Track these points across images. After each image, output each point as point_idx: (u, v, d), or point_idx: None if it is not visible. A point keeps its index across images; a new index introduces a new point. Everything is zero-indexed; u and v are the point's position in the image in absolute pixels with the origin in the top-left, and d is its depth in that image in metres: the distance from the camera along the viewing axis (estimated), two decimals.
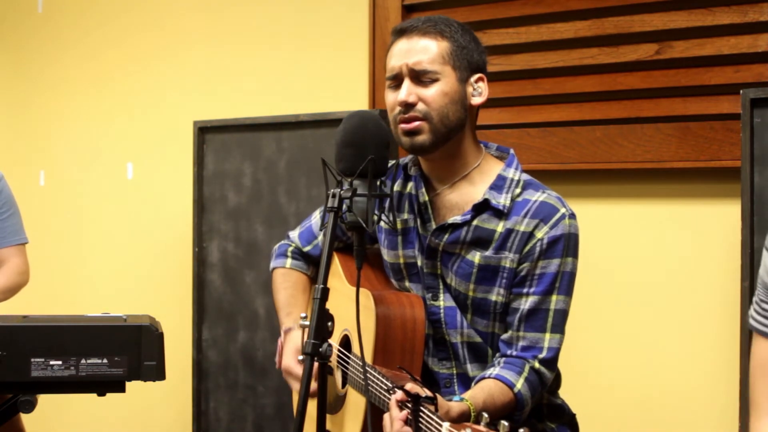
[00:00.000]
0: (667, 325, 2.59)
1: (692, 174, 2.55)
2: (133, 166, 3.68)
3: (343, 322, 2.02)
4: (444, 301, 1.95)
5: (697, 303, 2.54)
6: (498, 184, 1.91)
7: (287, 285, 2.20)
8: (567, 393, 2.08)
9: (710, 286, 2.52)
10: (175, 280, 3.50)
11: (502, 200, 1.89)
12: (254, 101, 3.34)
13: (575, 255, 1.90)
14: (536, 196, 1.90)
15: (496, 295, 1.90)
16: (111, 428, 3.73)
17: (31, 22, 3.93)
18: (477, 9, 2.83)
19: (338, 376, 2.05)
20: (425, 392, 1.60)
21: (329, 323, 1.54)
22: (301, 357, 1.95)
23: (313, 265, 2.22)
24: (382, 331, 1.88)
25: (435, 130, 1.86)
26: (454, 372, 1.96)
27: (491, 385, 1.81)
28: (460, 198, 1.93)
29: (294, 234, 2.24)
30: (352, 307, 1.96)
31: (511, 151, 1.99)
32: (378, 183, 1.63)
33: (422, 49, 1.87)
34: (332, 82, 3.17)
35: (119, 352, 1.78)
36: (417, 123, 1.86)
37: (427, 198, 1.96)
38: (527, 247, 1.87)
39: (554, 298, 1.87)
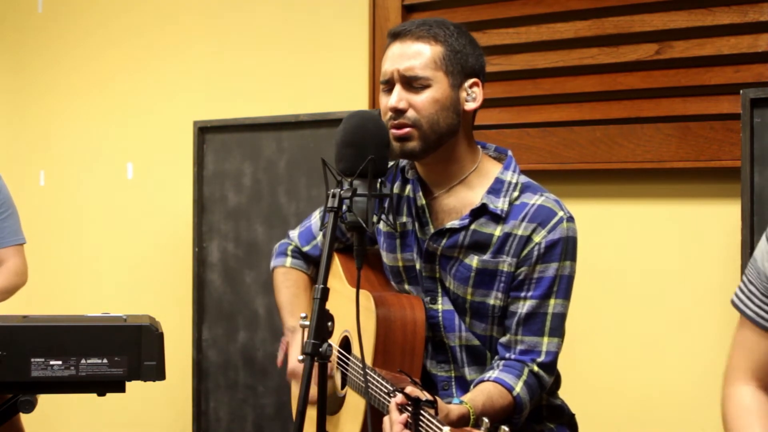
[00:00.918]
0: (667, 325, 2.59)
1: (692, 174, 2.55)
2: (133, 166, 3.68)
3: (343, 323, 2.02)
4: (442, 305, 1.95)
5: (697, 303, 2.54)
6: (496, 188, 1.90)
7: (289, 284, 2.20)
8: (566, 393, 2.08)
9: (710, 286, 2.52)
10: (175, 280, 3.50)
11: (500, 204, 1.88)
12: (254, 101, 3.33)
13: (573, 258, 1.89)
14: (534, 200, 1.89)
15: (494, 299, 1.90)
16: (111, 428, 3.73)
17: (31, 22, 3.93)
18: (477, 9, 2.82)
19: (338, 377, 2.05)
20: (425, 395, 1.60)
21: (329, 323, 1.54)
22: (301, 357, 1.95)
23: (312, 265, 2.22)
24: (383, 332, 1.88)
25: (425, 137, 1.85)
26: (452, 375, 1.96)
27: (490, 388, 1.81)
28: (458, 202, 1.93)
29: (294, 233, 2.24)
30: (352, 308, 1.96)
31: (509, 152, 1.98)
32: (378, 183, 1.63)
33: (414, 54, 1.86)
34: (332, 82, 3.17)
35: (119, 352, 1.78)
36: (407, 130, 1.85)
37: (424, 202, 1.95)
38: (525, 251, 1.86)
39: (552, 302, 1.87)
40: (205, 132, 3.23)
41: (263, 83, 3.34)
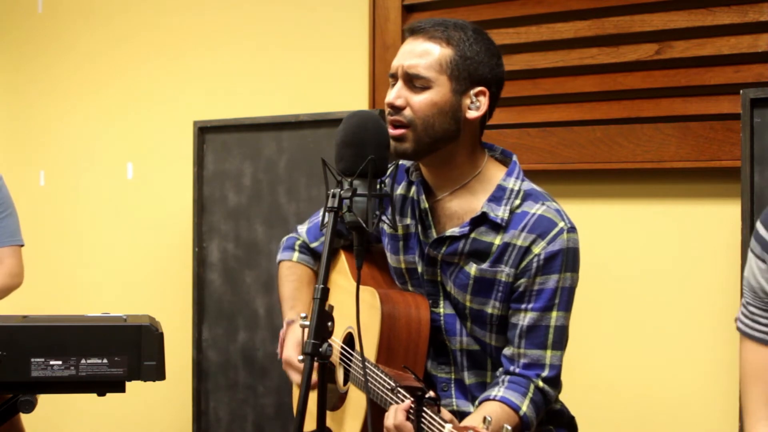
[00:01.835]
0: (667, 325, 2.59)
1: (692, 174, 2.55)
2: (133, 166, 3.68)
3: (347, 319, 2.02)
4: (444, 309, 1.94)
5: (697, 303, 2.54)
6: (497, 196, 1.88)
7: (293, 278, 2.20)
8: (566, 394, 2.07)
9: (710, 286, 2.52)
10: (175, 280, 3.50)
11: (500, 213, 1.86)
12: (254, 101, 3.33)
13: (574, 270, 1.86)
14: (535, 209, 1.86)
15: (492, 308, 1.89)
16: (111, 428, 3.73)
17: (31, 22, 3.93)
18: (477, 9, 2.83)
19: (340, 373, 2.05)
20: (429, 393, 1.61)
21: (329, 323, 1.54)
22: (300, 357, 1.95)
23: (319, 261, 2.22)
24: (387, 330, 1.88)
25: (418, 139, 1.84)
26: (452, 377, 1.96)
27: (497, 410, 1.78)
28: (460, 207, 1.92)
29: (302, 229, 2.23)
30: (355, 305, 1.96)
31: (514, 157, 1.95)
32: (378, 183, 1.63)
33: (422, 53, 1.85)
34: (332, 82, 3.17)
35: (119, 352, 1.78)
36: (401, 131, 1.85)
37: (427, 205, 1.95)
38: (524, 263, 1.84)
39: (554, 314, 1.85)
40: (205, 132, 3.23)
41: (263, 83, 3.34)
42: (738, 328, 1.58)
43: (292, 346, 2.06)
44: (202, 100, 3.47)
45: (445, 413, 1.66)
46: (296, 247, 2.22)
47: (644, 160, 2.59)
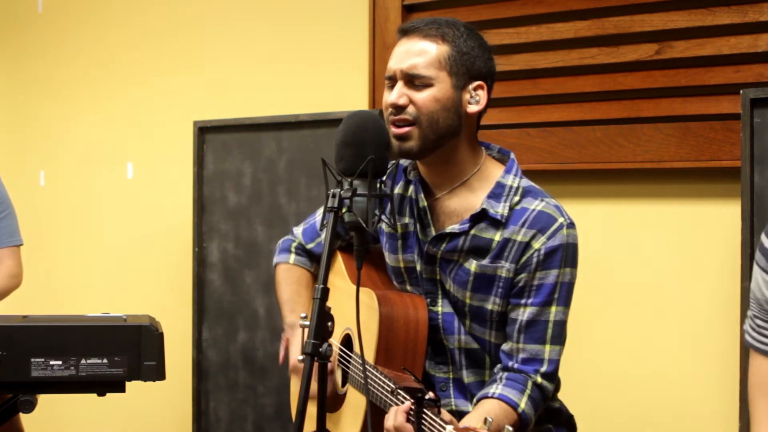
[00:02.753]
0: (667, 326, 2.59)
1: (692, 174, 2.55)
2: (133, 166, 3.68)
3: (345, 321, 2.02)
4: (442, 307, 1.95)
5: (697, 303, 2.54)
6: (496, 192, 1.89)
7: (291, 280, 2.19)
8: (565, 394, 2.07)
9: (710, 286, 2.52)
10: (175, 280, 3.50)
11: (500, 209, 1.87)
12: (254, 101, 3.33)
13: (573, 265, 1.87)
14: (534, 205, 1.87)
15: (492, 304, 1.89)
16: (111, 428, 3.73)
17: (31, 22, 3.93)
18: (477, 9, 2.83)
19: (338, 375, 2.05)
20: (429, 394, 1.61)
21: (329, 323, 1.54)
22: (300, 357, 1.95)
23: (316, 262, 2.22)
24: (385, 331, 1.88)
25: (424, 135, 1.85)
26: (450, 377, 1.96)
27: (495, 407, 1.79)
28: (459, 205, 1.92)
29: (298, 230, 2.23)
30: (354, 306, 1.96)
31: (512, 155, 1.97)
32: (378, 183, 1.63)
33: (419, 52, 1.85)
34: (332, 82, 3.17)
35: (119, 352, 1.78)
36: (406, 129, 1.85)
37: (426, 203, 1.95)
38: (524, 258, 1.85)
39: (553, 309, 1.86)
40: (205, 132, 3.23)
41: (263, 83, 3.34)
42: (745, 341, 1.59)
43: (297, 352, 2.06)
44: (202, 100, 3.47)
45: (445, 414, 1.66)
46: (292, 249, 2.22)
47: (644, 160, 2.59)
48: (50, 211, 3.88)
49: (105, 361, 1.78)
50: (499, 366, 1.90)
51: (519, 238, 1.86)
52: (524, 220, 1.86)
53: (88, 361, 1.78)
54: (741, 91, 2.29)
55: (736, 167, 2.34)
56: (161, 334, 1.82)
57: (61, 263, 3.86)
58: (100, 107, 3.76)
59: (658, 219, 2.61)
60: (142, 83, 3.64)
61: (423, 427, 1.59)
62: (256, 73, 3.35)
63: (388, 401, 1.74)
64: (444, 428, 1.49)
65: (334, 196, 1.60)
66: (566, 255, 1.85)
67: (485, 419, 1.45)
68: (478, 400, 1.84)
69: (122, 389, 1.82)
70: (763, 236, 1.56)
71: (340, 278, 2.12)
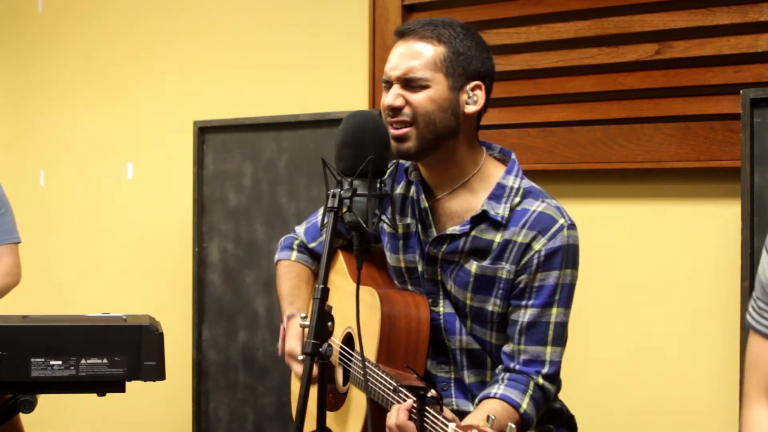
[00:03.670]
0: (667, 325, 2.59)
1: (692, 174, 2.55)
2: (133, 166, 3.68)
3: (346, 320, 2.02)
4: (443, 308, 1.95)
5: (697, 303, 2.54)
6: (497, 194, 1.89)
7: (291, 276, 2.20)
8: (565, 393, 2.07)
9: (710, 286, 2.52)
10: (175, 280, 3.50)
11: (500, 211, 1.87)
12: (254, 101, 3.33)
13: (574, 266, 1.87)
14: (535, 206, 1.87)
15: (493, 305, 1.89)
16: (111, 428, 3.73)
17: (31, 22, 3.93)
18: (477, 9, 2.83)
19: (339, 373, 2.05)
20: (431, 392, 1.61)
21: (329, 323, 1.54)
22: (301, 357, 1.95)
23: (317, 261, 2.22)
24: (387, 329, 1.88)
25: (421, 136, 1.85)
26: (452, 377, 1.96)
27: (497, 407, 1.79)
28: (460, 206, 1.92)
29: (300, 229, 2.24)
30: (355, 305, 1.96)
31: (513, 155, 1.96)
32: (378, 183, 1.63)
33: (415, 54, 1.85)
34: (332, 82, 3.17)
35: (119, 352, 1.79)
36: (404, 130, 1.85)
37: (427, 204, 1.95)
38: (525, 259, 1.85)
39: (554, 310, 1.85)
40: (205, 132, 3.23)
41: (263, 83, 3.34)
42: (746, 320, 1.62)
43: (293, 338, 2.06)
44: (202, 100, 3.47)
45: (447, 412, 1.66)
46: (294, 247, 2.22)
47: (644, 160, 2.59)
48: (50, 211, 3.88)
49: (105, 361, 1.78)
50: (500, 367, 1.90)
51: (519, 239, 1.85)
52: (525, 222, 1.86)
53: (88, 361, 1.78)
54: (741, 91, 2.29)
55: (736, 167, 2.34)
56: (161, 334, 1.82)
57: (61, 263, 3.86)
58: (100, 107, 3.76)
59: (658, 219, 2.61)
60: (143, 83, 3.64)
61: (425, 424, 1.59)
62: (256, 73, 3.35)
63: (390, 399, 1.74)
64: (446, 426, 1.48)
65: (334, 196, 1.60)
66: (567, 256, 1.85)
67: (488, 416, 1.45)
68: (480, 400, 1.84)
69: (122, 389, 1.82)
70: None
71: (341, 277, 2.12)
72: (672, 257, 2.59)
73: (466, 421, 1.75)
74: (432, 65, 1.85)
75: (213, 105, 3.42)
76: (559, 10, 2.69)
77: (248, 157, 3.13)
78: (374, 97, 3.03)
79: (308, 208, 2.91)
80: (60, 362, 1.77)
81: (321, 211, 2.22)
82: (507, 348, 1.89)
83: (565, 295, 1.86)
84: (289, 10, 3.28)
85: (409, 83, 1.85)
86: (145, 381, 1.80)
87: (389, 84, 1.89)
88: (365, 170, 1.60)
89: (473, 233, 1.88)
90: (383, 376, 1.79)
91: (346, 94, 3.13)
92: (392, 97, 1.86)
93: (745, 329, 2.20)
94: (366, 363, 1.85)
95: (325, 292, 1.53)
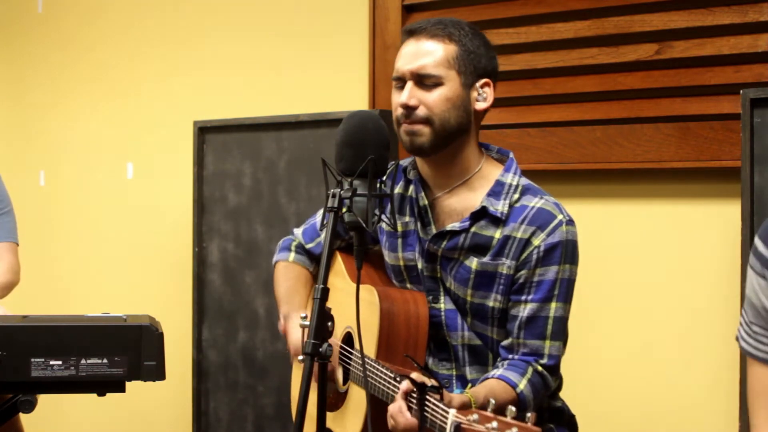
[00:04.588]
0: (667, 325, 2.59)
1: (692, 174, 2.55)
2: (133, 166, 3.68)
3: (345, 320, 2.03)
4: (444, 304, 1.95)
5: (697, 303, 2.54)
6: (496, 190, 1.91)
7: (289, 276, 2.20)
8: (566, 394, 2.08)
9: (710, 287, 2.52)
10: (175, 280, 3.50)
11: (499, 207, 1.89)
12: (254, 101, 3.33)
13: (573, 262, 1.89)
14: (534, 202, 1.89)
15: (494, 301, 1.90)
16: (111, 428, 3.73)
17: (31, 22, 3.93)
18: (477, 9, 2.83)
19: (339, 373, 2.05)
20: (431, 381, 1.61)
21: (329, 323, 1.54)
22: (300, 357, 1.95)
23: (315, 262, 2.23)
24: (386, 326, 1.89)
25: (436, 133, 1.87)
26: (453, 373, 1.96)
27: (493, 383, 1.81)
28: (459, 204, 1.93)
29: (298, 231, 2.24)
30: (354, 305, 1.96)
31: (511, 154, 1.98)
32: (378, 183, 1.63)
33: (428, 52, 1.87)
34: (332, 82, 3.17)
35: (119, 352, 1.78)
36: (419, 126, 1.87)
37: (426, 202, 1.96)
38: (524, 255, 1.87)
39: (553, 305, 1.87)
40: (205, 132, 3.23)
41: (263, 83, 3.34)
42: (741, 347, 1.56)
43: (296, 334, 2.05)
44: (202, 100, 3.47)
45: (444, 395, 1.65)
46: (292, 248, 2.23)
47: (644, 160, 2.59)
48: (50, 211, 3.88)
49: (105, 361, 1.78)
50: (499, 358, 1.91)
51: (519, 235, 1.87)
52: (524, 217, 1.88)
53: (88, 361, 1.78)
54: (741, 91, 2.29)
55: (736, 167, 2.34)
56: (161, 334, 1.82)
57: (61, 263, 3.86)
58: (101, 107, 3.76)
59: (658, 219, 2.61)
60: (143, 83, 3.64)
61: (425, 413, 1.59)
62: (256, 73, 3.35)
63: (391, 391, 1.74)
64: (447, 413, 1.48)
65: (334, 196, 1.61)
66: (566, 251, 1.86)
67: (488, 401, 1.45)
68: (479, 382, 1.86)
69: (122, 389, 1.82)
70: (757, 239, 1.54)
71: (340, 278, 2.12)
72: (672, 257, 2.59)
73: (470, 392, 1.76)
74: (445, 63, 1.87)
75: (213, 105, 3.42)
76: (559, 10, 2.69)
77: (248, 157, 3.13)
78: (374, 97, 3.03)
79: (308, 208, 2.91)
80: (60, 362, 1.77)
81: (319, 213, 2.22)
82: (506, 342, 1.91)
83: (564, 290, 1.87)
84: (289, 10, 3.28)
85: (423, 80, 1.87)
86: (145, 381, 1.80)
87: (401, 81, 1.90)
88: (365, 170, 1.60)
89: (473, 230, 1.90)
90: (383, 370, 1.79)
91: (346, 94, 3.13)
92: (407, 95, 1.87)
93: (739, 336, 2.19)
94: (365, 359, 1.85)
95: (325, 292, 1.54)
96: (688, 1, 2.51)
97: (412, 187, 2.00)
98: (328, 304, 1.55)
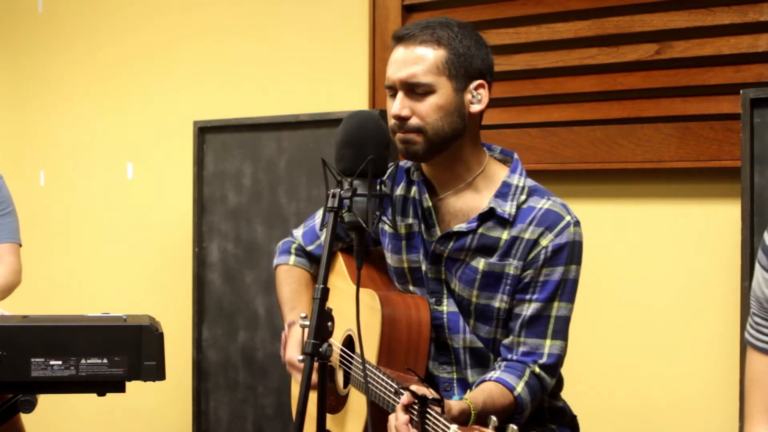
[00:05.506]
0: (667, 325, 2.59)
1: (692, 174, 2.55)
2: (133, 166, 3.68)
3: (346, 322, 2.02)
4: (447, 306, 1.95)
5: (697, 303, 2.54)
6: (503, 192, 1.91)
7: (291, 281, 2.20)
8: (567, 394, 2.08)
9: (710, 286, 2.52)
10: (175, 280, 3.50)
11: (507, 208, 1.89)
12: (254, 101, 3.33)
13: (578, 262, 1.90)
14: (541, 204, 1.89)
15: (500, 302, 1.90)
16: (111, 428, 3.73)
17: (31, 22, 3.93)
18: (477, 9, 2.83)
19: (340, 376, 2.05)
20: (432, 394, 1.60)
21: (329, 323, 1.54)
22: (300, 357, 1.95)
23: (315, 264, 2.23)
24: (387, 332, 1.88)
25: (429, 141, 1.86)
26: (455, 377, 1.96)
27: (491, 387, 1.81)
28: (465, 205, 1.93)
29: (298, 232, 2.24)
30: (355, 307, 1.96)
31: (515, 155, 1.98)
32: (378, 183, 1.63)
33: (417, 59, 1.85)
34: (332, 82, 3.17)
35: (119, 352, 1.78)
36: (412, 135, 1.86)
37: (430, 203, 1.96)
38: (531, 255, 1.87)
39: (556, 305, 1.87)
40: (205, 132, 3.23)
41: (263, 83, 3.34)
42: (744, 338, 1.61)
43: (294, 347, 2.07)
44: (202, 100, 3.47)
45: (454, 404, 1.65)
46: (292, 251, 2.22)
47: (644, 160, 2.59)
48: (50, 211, 3.88)
49: (105, 361, 1.78)
50: (498, 358, 1.91)
51: (527, 235, 1.87)
52: (532, 218, 1.88)
53: (88, 361, 1.78)
54: (741, 91, 2.29)
55: (736, 167, 2.34)
56: (161, 334, 1.81)
57: (61, 263, 3.86)
58: (101, 107, 3.76)
59: (658, 219, 2.61)
60: (143, 83, 3.64)
61: (427, 427, 1.58)
62: (256, 73, 3.35)
63: (392, 402, 1.74)
64: (448, 428, 1.48)
65: (334, 196, 1.60)
66: (572, 252, 1.87)
67: (490, 417, 1.45)
68: (477, 385, 1.85)
69: (122, 389, 1.82)
70: (766, 234, 1.57)
71: (341, 279, 2.12)
72: (672, 257, 2.59)
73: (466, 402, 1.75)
74: (435, 69, 1.85)
75: (213, 105, 3.42)
76: (559, 10, 2.69)
77: (248, 157, 3.13)
78: (374, 97, 3.03)
79: (308, 208, 2.91)
80: (60, 362, 1.77)
81: (318, 214, 2.22)
82: (506, 341, 1.91)
83: (568, 290, 1.88)
84: (290, 10, 3.28)
85: (414, 89, 1.85)
86: (145, 381, 1.80)
87: (393, 90, 1.89)
88: (365, 170, 1.60)
89: (480, 231, 1.89)
90: (384, 378, 1.79)
91: (346, 94, 3.13)
92: (398, 106, 1.86)
93: (745, 329, 2.20)
94: (366, 365, 1.85)
95: (325, 292, 1.53)
96: (688, 1, 2.51)
97: (415, 189, 2.00)
98: (329, 305, 1.55)
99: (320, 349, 1.51)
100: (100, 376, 1.78)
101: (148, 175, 3.65)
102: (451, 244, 1.92)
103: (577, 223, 1.89)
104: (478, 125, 1.94)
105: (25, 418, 2.51)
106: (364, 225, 1.59)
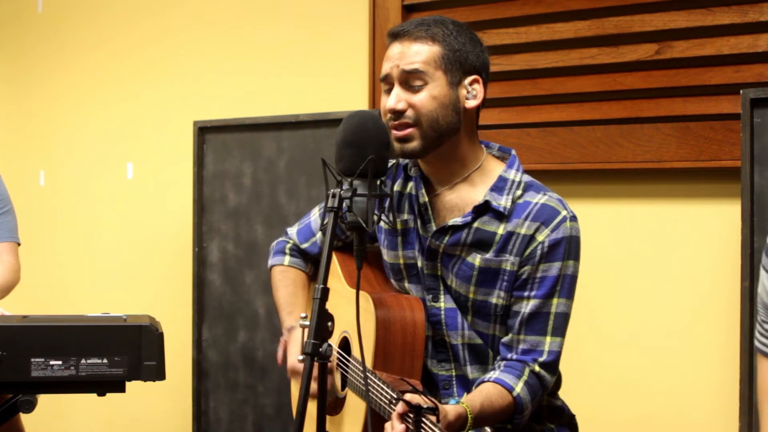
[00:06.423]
0: (667, 325, 2.59)
1: (692, 174, 2.55)
2: (133, 166, 3.68)
3: (341, 324, 2.02)
4: (444, 303, 1.95)
5: (697, 303, 2.54)
6: (499, 186, 1.91)
7: (287, 282, 2.20)
8: (566, 393, 2.08)
9: (710, 286, 2.52)
10: (175, 280, 3.50)
11: (503, 202, 1.89)
12: (254, 101, 3.34)
13: (576, 258, 1.89)
14: (537, 198, 1.89)
15: (497, 298, 1.90)
16: (111, 428, 3.73)
17: (31, 22, 3.93)
18: (477, 9, 2.83)
19: (338, 378, 2.05)
20: (427, 402, 1.60)
21: (329, 323, 1.54)
22: (300, 357, 1.95)
23: (311, 263, 2.22)
24: (382, 334, 1.88)
25: (425, 135, 1.86)
26: (453, 374, 1.96)
27: (489, 388, 1.81)
28: (460, 199, 1.93)
29: (292, 231, 2.24)
30: (350, 309, 1.95)
31: (513, 152, 1.99)
32: (378, 183, 1.63)
33: (412, 54, 1.86)
34: (332, 82, 3.17)
35: (119, 352, 1.78)
36: (408, 130, 1.86)
37: (426, 199, 1.96)
38: (528, 251, 1.86)
39: (555, 301, 1.87)
40: (205, 132, 3.23)
41: (263, 83, 3.34)
42: (755, 346, 1.58)
43: (296, 353, 2.06)
44: (202, 100, 3.47)
45: (440, 409, 1.65)
46: (287, 251, 2.22)
47: (644, 160, 2.59)
48: (50, 211, 3.88)
49: (105, 361, 1.78)
50: (498, 357, 1.91)
51: (523, 231, 1.87)
52: (528, 213, 1.88)
53: (88, 361, 1.78)
54: (741, 91, 2.29)
55: (736, 167, 2.34)
56: (161, 334, 1.81)
57: (61, 263, 3.86)
58: (100, 107, 3.76)
59: (658, 219, 2.61)
60: (142, 83, 3.64)
61: None
62: (256, 73, 3.35)
63: (389, 409, 1.74)
64: None
65: (334, 196, 1.60)
66: (569, 247, 1.87)
67: (484, 430, 1.45)
68: (476, 386, 1.85)
69: (122, 389, 1.82)
70: None
71: (335, 280, 2.11)
72: (672, 257, 2.59)
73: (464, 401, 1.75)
74: (432, 63, 1.86)
75: (213, 105, 3.42)
76: (559, 10, 2.69)
77: (248, 157, 3.13)
78: (374, 97, 3.03)
79: (308, 208, 2.91)
80: (60, 362, 1.77)
81: (313, 212, 2.22)
82: (506, 339, 1.91)
83: (567, 286, 1.88)
84: (290, 10, 3.28)
85: (409, 82, 1.86)
86: (145, 381, 1.80)
87: (388, 85, 1.90)
88: (365, 170, 1.60)
89: (475, 225, 1.89)
90: (380, 385, 1.78)
91: (346, 94, 3.13)
92: (394, 99, 1.87)
93: (746, 330, 2.20)
94: (366, 372, 1.84)
95: (325, 292, 1.53)
96: (688, 1, 2.51)
97: (411, 184, 2.00)
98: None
99: (320, 349, 1.51)
100: (100, 376, 1.78)
101: (148, 175, 3.65)
102: (447, 238, 1.92)
103: (573, 218, 1.89)
104: (474, 122, 1.94)
105: (25, 418, 2.51)
106: (364, 225, 1.59)
